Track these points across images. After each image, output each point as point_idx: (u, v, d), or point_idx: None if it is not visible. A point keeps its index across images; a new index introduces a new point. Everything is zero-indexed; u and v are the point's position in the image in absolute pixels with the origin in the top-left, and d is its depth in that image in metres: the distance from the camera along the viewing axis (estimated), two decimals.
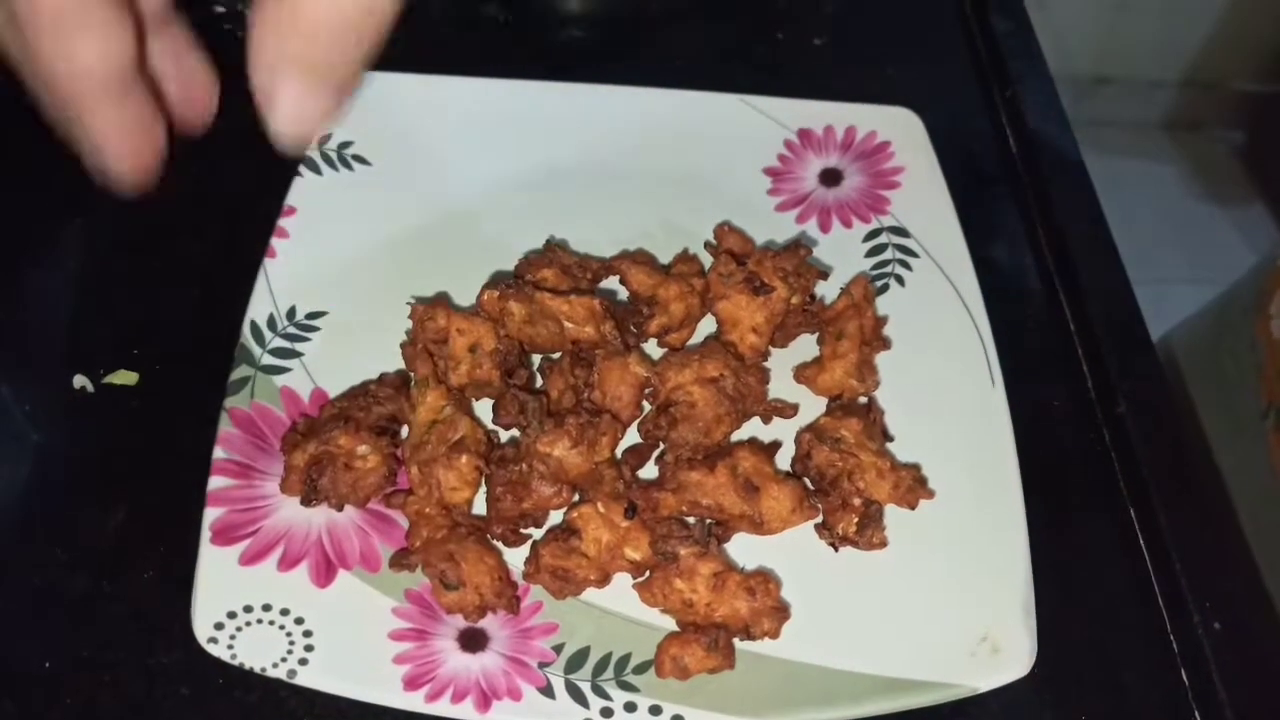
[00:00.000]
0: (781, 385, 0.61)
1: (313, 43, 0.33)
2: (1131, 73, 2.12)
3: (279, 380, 0.59)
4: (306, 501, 0.54)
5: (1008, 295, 0.69)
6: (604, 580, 0.53)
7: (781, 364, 0.62)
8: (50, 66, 0.32)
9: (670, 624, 0.53)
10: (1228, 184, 2.12)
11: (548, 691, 0.50)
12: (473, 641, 0.52)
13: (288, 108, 0.34)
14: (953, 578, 0.55)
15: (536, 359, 0.61)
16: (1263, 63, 2.05)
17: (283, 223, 0.65)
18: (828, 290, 0.65)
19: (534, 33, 0.84)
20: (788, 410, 0.60)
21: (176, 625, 0.52)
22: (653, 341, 0.62)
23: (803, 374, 0.61)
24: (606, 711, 0.50)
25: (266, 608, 0.52)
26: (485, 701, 0.50)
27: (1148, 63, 2.10)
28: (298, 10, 0.32)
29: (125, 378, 0.62)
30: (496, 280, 0.59)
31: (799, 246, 0.62)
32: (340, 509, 0.55)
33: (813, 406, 0.61)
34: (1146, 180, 2.06)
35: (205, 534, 0.53)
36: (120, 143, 0.34)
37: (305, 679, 0.50)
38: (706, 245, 0.63)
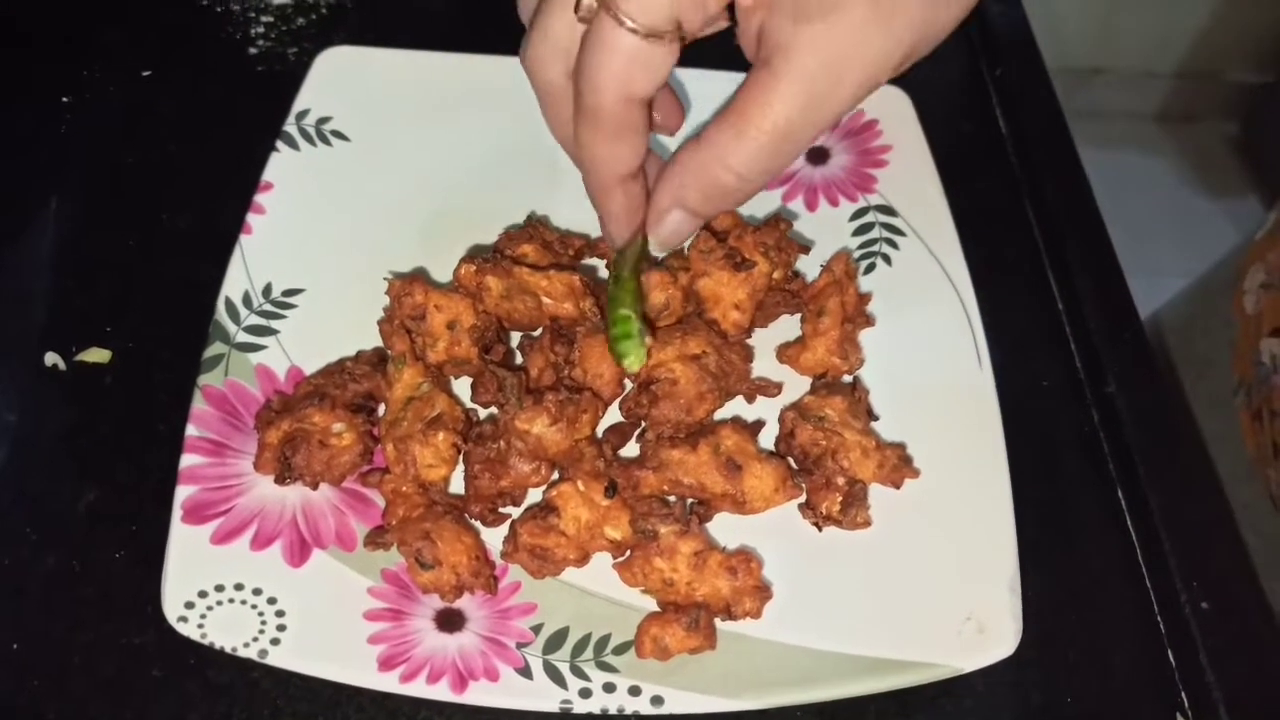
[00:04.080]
0: (765, 366, 0.60)
1: (706, 199, 0.45)
2: (1126, 63, 2.11)
3: (254, 358, 0.58)
4: (280, 480, 0.53)
5: (995, 274, 0.68)
6: (583, 559, 0.52)
7: (765, 345, 0.61)
8: (594, 159, 0.45)
9: (651, 605, 0.52)
10: (1222, 175, 2.12)
11: (525, 672, 0.50)
12: (449, 622, 0.51)
13: (668, 231, 0.48)
14: (938, 557, 0.54)
15: (516, 338, 0.60)
16: (1257, 54, 2.05)
17: (259, 199, 0.64)
18: (811, 270, 0.64)
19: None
20: (771, 389, 0.59)
21: (148, 606, 0.51)
22: None
23: (785, 353, 0.60)
24: (585, 692, 0.49)
25: (239, 587, 0.51)
26: (462, 682, 0.49)
27: (1142, 53, 2.09)
28: (704, 171, 0.44)
29: (98, 355, 0.61)
30: (474, 254, 0.58)
31: (779, 220, 0.61)
32: (315, 487, 0.54)
33: (797, 388, 0.60)
34: (1140, 172, 2.06)
35: (176, 512, 0.52)
36: (621, 218, 0.48)
37: (277, 659, 0.49)
38: None
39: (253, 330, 0.59)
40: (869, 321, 0.61)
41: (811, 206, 0.68)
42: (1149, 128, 2.19)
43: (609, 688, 0.49)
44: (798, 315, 0.62)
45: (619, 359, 0.54)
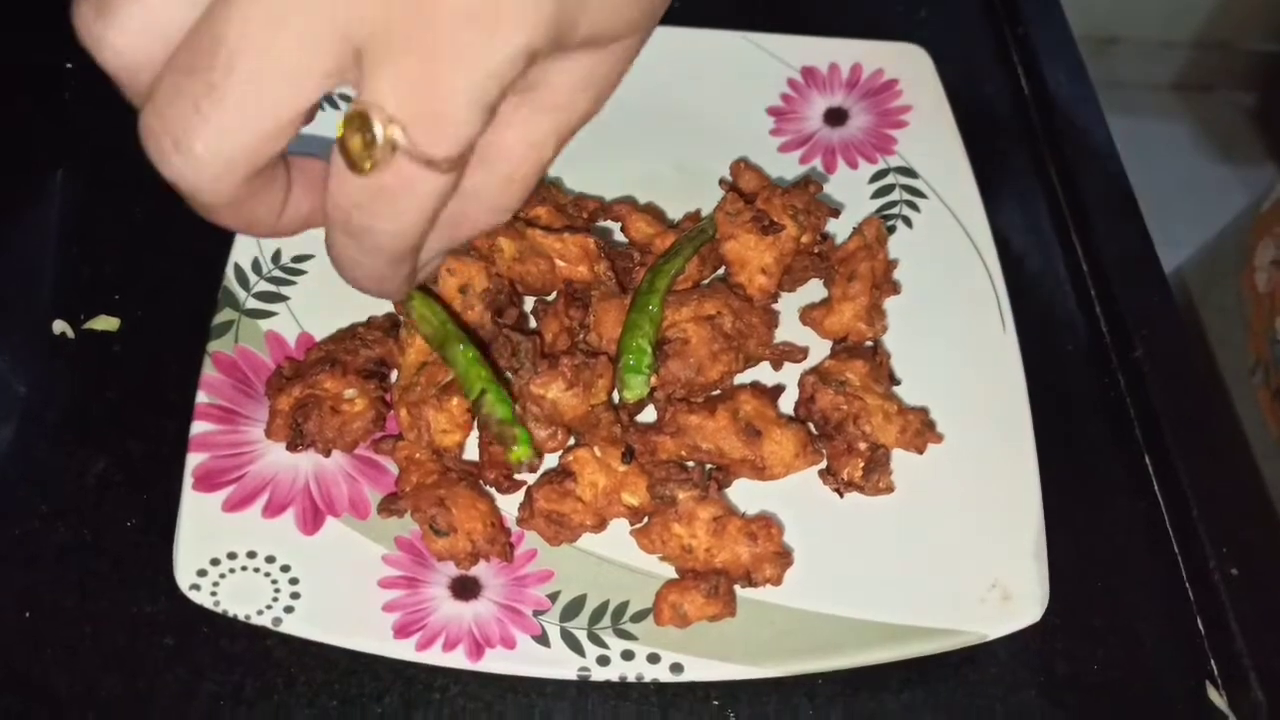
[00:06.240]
0: (786, 328, 0.59)
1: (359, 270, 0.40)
2: (1142, 32, 2.08)
3: (264, 324, 0.57)
4: (292, 446, 0.53)
5: (1019, 237, 0.67)
6: (600, 525, 0.52)
7: (787, 306, 0.60)
8: (382, 281, 0.41)
9: (669, 571, 0.51)
10: (1238, 145, 2.08)
11: (542, 640, 0.49)
12: (465, 589, 0.51)
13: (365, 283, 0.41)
14: (962, 523, 0.53)
15: (530, 302, 0.59)
16: (1274, 24, 2.01)
17: None
18: (834, 234, 0.63)
19: None
20: (797, 354, 0.58)
21: (160, 575, 0.51)
22: None
23: (809, 315, 0.59)
24: (603, 660, 0.48)
25: (251, 554, 0.50)
26: (478, 650, 0.48)
27: (1159, 22, 2.06)
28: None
29: (106, 323, 0.60)
30: None
31: (809, 183, 0.60)
32: (327, 454, 0.53)
33: (817, 350, 0.58)
34: (1157, 141, 2.03)
35: (188, 480, 0.51)
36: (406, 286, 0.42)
37: (290, 626, 0.48)
38: (721, 182, 0.60)
39: (263, 296, 0.58)
40: (896, 289, 0.60)
41: (830, 169, 0.67)
42: (1165, 97, 2.16)
43: (627, 655, 0.48)
44: (822, 279, 0.61)
45: (621, 386, 0.53)
